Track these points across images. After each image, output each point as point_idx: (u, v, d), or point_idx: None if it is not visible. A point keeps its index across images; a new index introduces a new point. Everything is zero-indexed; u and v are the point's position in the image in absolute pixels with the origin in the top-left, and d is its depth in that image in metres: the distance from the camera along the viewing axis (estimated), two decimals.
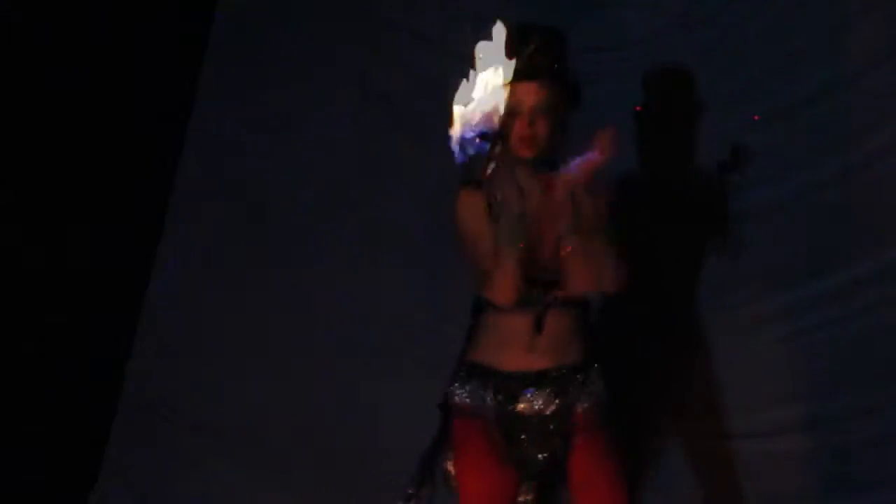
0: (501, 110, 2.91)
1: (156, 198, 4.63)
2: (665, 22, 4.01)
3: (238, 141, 4.62)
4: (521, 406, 3.16)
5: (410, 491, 3.29)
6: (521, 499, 3.22)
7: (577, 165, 3.02)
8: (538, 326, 3.13)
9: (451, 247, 4.11)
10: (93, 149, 4.48)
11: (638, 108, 3.72)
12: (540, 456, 3.16)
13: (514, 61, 3.00)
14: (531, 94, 3.12)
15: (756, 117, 3.83)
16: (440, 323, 4.16)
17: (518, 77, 3.04)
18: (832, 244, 3.75)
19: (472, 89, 2.93)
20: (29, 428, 4.40)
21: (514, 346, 3.16)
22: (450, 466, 3.22)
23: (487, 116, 2.92)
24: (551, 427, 3.16)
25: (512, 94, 3.06)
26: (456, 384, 3.23)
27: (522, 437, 3.16)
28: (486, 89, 2.92)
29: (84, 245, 4.48)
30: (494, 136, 2.92)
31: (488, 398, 3.17)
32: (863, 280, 3.69)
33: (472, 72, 2.94)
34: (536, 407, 3.15)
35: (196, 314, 4.58)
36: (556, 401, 3.15)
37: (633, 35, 4.06)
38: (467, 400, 3.20)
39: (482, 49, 2.95)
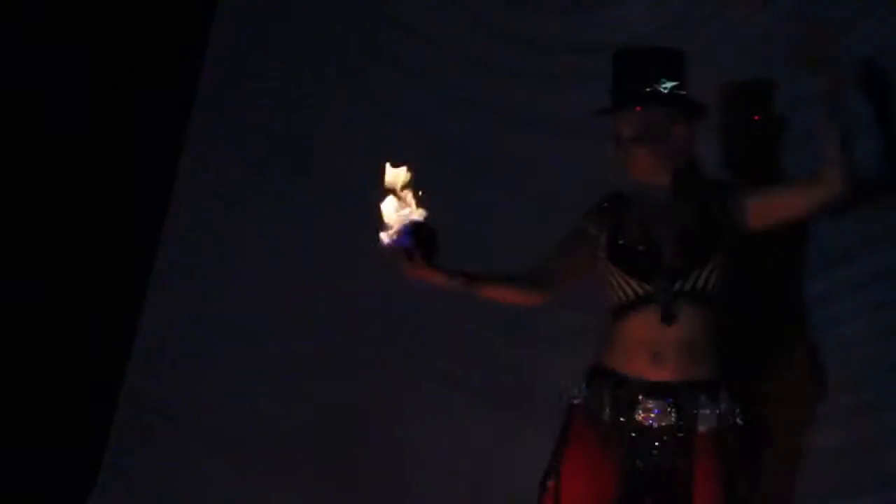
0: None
1: (156, 198, 4.63)
2: (665, 22, 4.00)
3: (238, 141, 4.61)
4: (638, 415, 3.12)
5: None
6: None
7: None
8: (666, 317, 3.09)
9: (453, 248, 4.12)
10: (93, 149, 4.48)
11: (638, 109, 3.70)
12: (644, 467, 3.10)
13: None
14: (623, 123, 3.17)
15: (756, 117, 3.83)
16: (442, 323, 4.16)
17: (613, 106, 3.15)
18: (831, 244, 3.74)
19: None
20: (29, 428, 4.40)
21: (639, 351, 3.13)
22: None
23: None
24: (664, 443, 3.10)
25: (613, 123, 3.18)
26: (577, 385, 3.20)
27: (633, 447, 3.11)
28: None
29: (84, 245, 4.47)
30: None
31: (606, 402, 3.14)
32: (862, 280, 3.68)
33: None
34: (652, 419, 3.11)
35: (196, 314, 4.58)
36: (674, 416, 3.10)
37: (633, 35, 4.05)
38: (585, 401, 3.18)
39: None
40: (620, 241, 3.15)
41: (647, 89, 3.17)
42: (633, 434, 3.11)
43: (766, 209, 3.20)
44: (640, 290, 3.11)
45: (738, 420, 3.14)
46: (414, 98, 4.35)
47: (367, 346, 4.33)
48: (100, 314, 4.52)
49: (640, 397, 3.11)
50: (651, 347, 3.11)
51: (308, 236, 4.47)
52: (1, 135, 4.36)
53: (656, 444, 3.10)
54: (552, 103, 4.07)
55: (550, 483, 3.14)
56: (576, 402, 3.19)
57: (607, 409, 3.13)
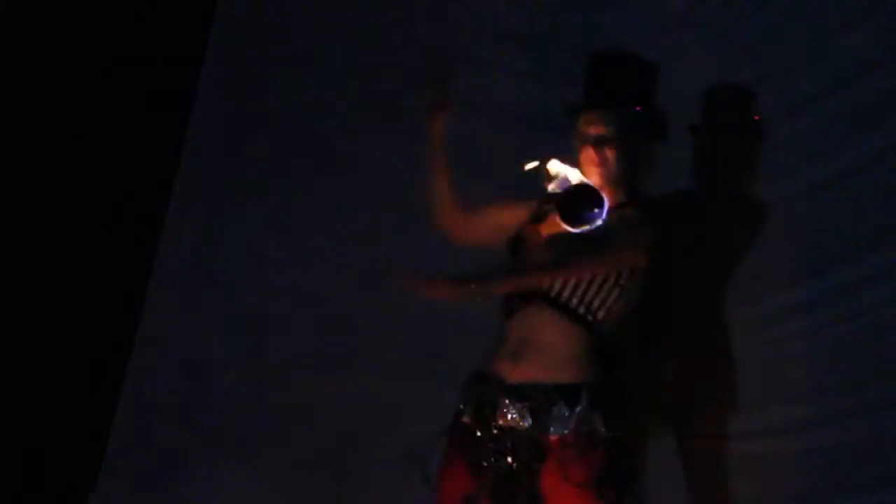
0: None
1: (156, 198, 4.63)
2: (665, 22, 4.00)
3: (238, 141, 4.61)
4: (494, 415, 3.10)
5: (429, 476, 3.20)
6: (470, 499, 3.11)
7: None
8: (506, 311, 3.11)
9: (454, 250, 4.13)
10: (93, 149, 4.48)
11: (638, 108, 3.71)
12: (499, 473, 3.08)
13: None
14: (592, 124, 3.16)
15: (756, 117, 3.83)
16: (443, 325, 4.16)
17: (585, 106, 3.16)
18: (832, 244, 3.74)
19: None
20: (29, 428, 4.40)
21: (501, 350, 3.14)
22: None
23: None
24: (520, 444, 3.07)
25: (581, 124, 3.17)
26: (463, 385, 3.21)
27: (489, 446, 3.09)
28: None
29: (84, 244, 4.47)
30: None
31: (471, 403, 3.15)
32: (863, 280, 3.69)
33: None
34: (508, 420, 3.08)
35: (196, 314, 4.58)
36: (530, 419, 3.06)
37: (633, 35, 4.05)
38: (460, 403, 3.19)
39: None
40: (519, 231, 3.18)
41: (616, 93, 3.16)
42: (490, 440, 3.08)
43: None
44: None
45: (599, 427, 3.05)
46: (414, 98, 4.35)
47: (367, 347, 4.33)
48: (100, 314, 4.52)
49: (501, 398, 3.08)
50: (508, 345, 3.11)
51: (308, 236, 4.47)
52: (1, 135, 4.36)
53: (509, 445, 3.06)
54: (552, 103, 4.07)
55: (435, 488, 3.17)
56: (455, 411, 3.19)
57: (470, 411, 3.12)
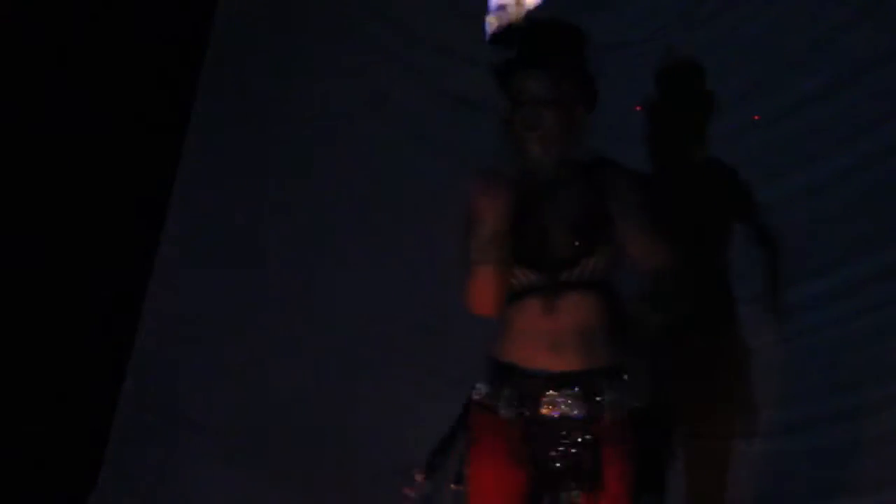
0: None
1: (156, 197, 4.63)
2: (665, 22, 4.01)
3: (238, 140, 4.62)
4: (542, 409, 3.00)
5: (418, 479, 3.13)
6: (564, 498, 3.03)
7: None
8: (548, 307, 2.95)
9: (453, 248, 4.12)
10: (93, 149, 4.48)
11: (638, 108, 3.71)
12: (558, 463, 3.00)
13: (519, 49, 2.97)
14: (535, 81, 3.00)
15: (756, 117, 3.83)
16: (443, 324, 4.17)
17: (524, 64, 2.99)
18: (832, 244, 3.75)
19: None
20: (29, 428, 4.40)
21: (537, 342, 2.99)
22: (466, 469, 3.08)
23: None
24: (571, 434, 2.99)
25: (518, 83, 3.00)
26: (479, 381, 3.08)
27: (542, 440, 2.99)
28: None
29: (84, 244, 4.47)
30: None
31: (508, 398, 3.01)
32: (863, 280, 3.69)
33: None
34: (559, 411, 3.00)
35: (196, 314, 4.58)
36: (582, 406, 2.99)
37: (633, 35, 4.06)
38: (487, 398, 3.04)
39: None
40: (511, 228, 2.94)
41: (560, 56, 3.03)
42: (539, 428, 2.98)
43: (625, 238, 3.03)
44: (524, 280, 2.97)
45: (636, 403, 3.01)
46: (414, 98, 4.35)
47: (367, 347, 4.33)
48: (100, 314, 4.52)
49: (545, 390, 2.98)
50: (549, 337, 2.98)
51: (308, 236, 4.47)
52: (1, 135, 4.36)
53: (563, 435, 2.98)
54: None
55: (459, 486, 3.05)
56: (476, 398, 3.06)
57: (508, 405, 3.00)
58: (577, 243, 2.96)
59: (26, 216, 4.43)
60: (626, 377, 3.01)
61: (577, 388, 2.97)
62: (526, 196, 2.96)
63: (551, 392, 2.98)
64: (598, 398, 2.98)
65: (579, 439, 2.98)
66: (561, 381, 2.98)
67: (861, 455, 3.66)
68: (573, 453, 2.99)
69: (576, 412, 2.98)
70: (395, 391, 4.28)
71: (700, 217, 3.71)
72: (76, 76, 4.44)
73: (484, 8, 4.29)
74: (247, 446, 4.44)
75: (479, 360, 4.16)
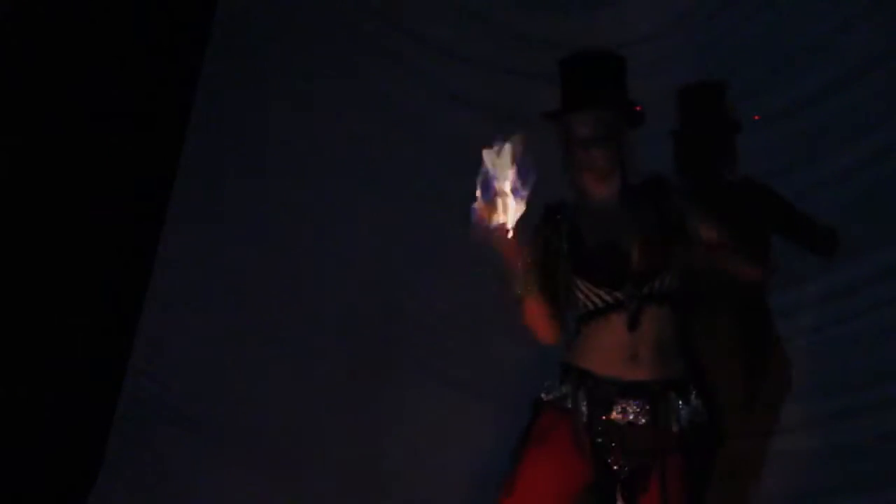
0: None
1: (156, 197, 4.63)
2: (665, 22, 4.01)
3: (238, 141, 4.62)
4: (613, 415, 3.12)
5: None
6: None
7: None
8: (633, 324, 3.10)
9: (452, 248, 4.12)
10: (93, 149, 4.48)
11: (638, 108, 3.71)
12: (623, 467, 3.11)
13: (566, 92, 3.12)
14: (582, 124, 3.14)
15: (756, 117, 3.83)
16: (444, 325, 4.17)
17: (569, 108, 3.13)
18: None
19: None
20: (29, 428, 4.40)
21: (613, 351, 3.13)
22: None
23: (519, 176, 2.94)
24: (640, 441, 3.10)
25: (567, 127, 3.14)
26: (551, 383, 3.20)
27: (610, 445, 3.11)
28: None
29: (84, 244, 4.47)
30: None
31: (581, 401, 3.14)
32: (863, 280, 3.69)
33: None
34: (628, 418, 3.11)
35: (196, 314, 4.58)
36: (649, 415, 3.11)
37: (633, 35, 4.05)
38: (560, 399, 3.17)
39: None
40: (584, 253, 3.14)
41: (603, 92, 3.15)
42: (609, 433, 3.11)
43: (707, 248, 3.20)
44: (609, 299, 3.12)
45: (705, 417, 3.15)
46: (414, 98, 4.35)
47: (367, 347, 4.33)
48: (100, 314, 4.52)
49: (617, 397, 3.11)
50: (626, 350, 3.11)
51: (308, 236, 4.47)
52: (1, 135, 4.36)
53: (632, 442, 3.10)
54: (552, 103, 4.06)
55: (511, 481, 3.15)
56: (546, 398, 3.19)
57: (583, 408, 3.13)
58: (650, 259, 3.09)
59: (26, 216, 4.43)
60: (694, 391, 3.14)
61: (647, 398, 3.10)
62: (595, 222, 3.14)
63: (624, 399, 3.11)
64: (668, 410, 3.10)
65: (645, 447, 3.09)
66: (633, 390, 3.11)
67: (861, 455, 3.66)
68: (636, 460, 3.10)
69: (643, 420, 3.10)
70: (395, 391, 4.28)
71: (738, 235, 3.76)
72: (76, 76, 4.44)
73: (483, 8, 4.32)
74: (247, 446, 4.43)
75: (479, 360, 4.19)
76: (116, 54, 4.48)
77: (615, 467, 3.11)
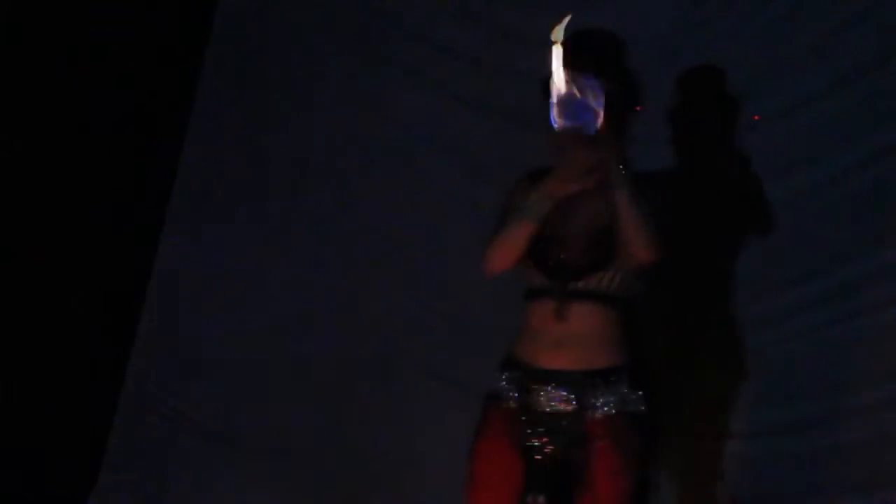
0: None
1: (156, 197, 4.63)
2: (665, 22, 4.01)
3: (238, 141, 4.61)
4: (539, 402, 3.13)
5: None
6: (529, 500, 3.15)
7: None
8: (559, 315, 3.10)
9: (452, 248, 4.12)
10: (93, 149, 4.48)
11: (637, 108, 3.71)
12: (543, 454, 3.13)
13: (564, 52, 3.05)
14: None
15: (756, 117, 3.83)
16: (444, 325, 4.16)
17: (571, 65, 3.06)
18: (832, 244, 3.74)
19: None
20: (29, 428, 4.40)
21: (541, 340, 3.14)
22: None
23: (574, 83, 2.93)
24: (565, 429, 3.12)
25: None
26: (496, 372, 3.21)
27: (538, 432, 3.13)
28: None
29: (84, 244, 4.47)
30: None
31: (514, 389, 3.16)
32: (863, 280, 3.69)
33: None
34: (553, 406, 3.12)
35: (195, 315, 4.58)
36: (574, 403, 3.11)
37: (633, 35, 4.05)
38: (497, 387, 3.19)
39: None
40: (539, 229, 3.10)
41: (609, 62, 3.15)
42: (535, 421, 3.12)
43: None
44: (541, 283, 3.12)
45: (640, 407, 3.12)
46: (414, 98, 4.35)
47: (366, 347, 4.33)
48: (100, 314, 4.52)
49: (542, 384, 3.12)
50: (551, 337, 3.12)
51: (308, 236, 4.47)
52: (1, 135, 4.36)
53: (556, 430, 3.11)
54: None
55: (469, 481, 3.17)
56: (490, 392, 3.20)
57: (515, 397, 3.15)
58: (593, 256, 3.08)
59: (26, 216, 4.43)
60: (624, 381, 3.12)
61: (571, 387, 3.10)
62: (561, 201, 3.08)
63: (548, 387, 3.11)
64: (591, 399, 3.10)
65: (568, 435, 3.10)
66: (558, 379, 3.11)
67: (860, 455, 3.66)
68: (560, 449, 3.11)
69: (567, 408, 3.11)
70: (395, 391, 4.27)
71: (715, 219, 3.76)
72: (75, 76, 4.44)
73: (484, 7, 4.32)
74: (247, 446, 4.43)
75: (479, 360, 4.19)
76: (116, 54, 4.48)
77: (538, 456, 3.12)
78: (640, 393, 3.13)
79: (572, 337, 3.11)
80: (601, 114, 2.99)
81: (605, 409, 3.10)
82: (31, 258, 4.42)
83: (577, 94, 2.95)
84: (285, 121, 4.55)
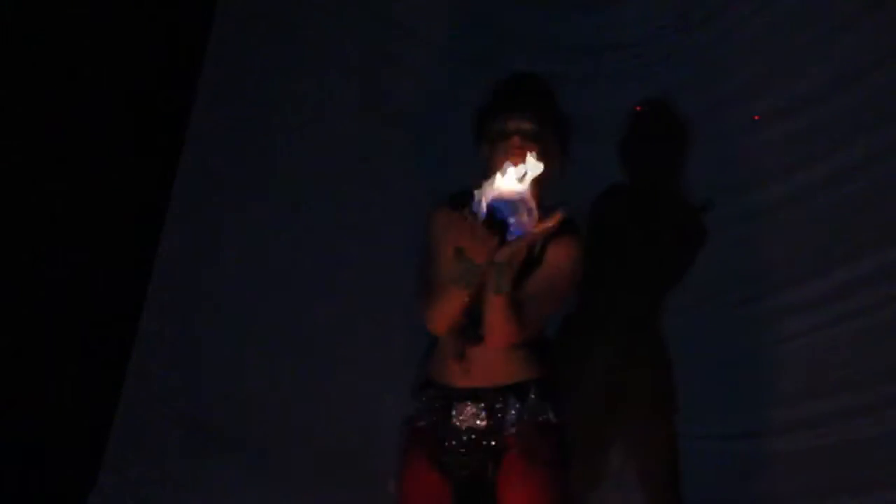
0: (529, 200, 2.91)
1: (156, 197, 4.63)
2: (665, 22, 4.01)
3: (238, 141, 4.62)
4: (453, 419, 3.20)
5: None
6: None
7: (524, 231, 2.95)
8: (461, 355, 3.18)
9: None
10: (93, 149, 4.48)
11: (638, 108, 3.72)
12: (462, 471, 3.20)
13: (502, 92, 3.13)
14: (518, 122, 3.13)
15: (756, 117, 3.83)
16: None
17: (506, 107, 3.12)
18: (832, 244, 3.75)
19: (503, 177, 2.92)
20: (29, 428, 4.40)
21: (449, 360, 3.21)
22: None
23: (519, 195, 2.91)
24: (477, 444, 3.19)
25: (499, 124, 3.13)
26: (414, 393, 3.31)
27: (452, 449, 3.20)
28: (515, 177, 2.92)
29: (84, 244, 4.47)
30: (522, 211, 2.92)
31: (430, 408, 3.24)
32: (863, 280, 3.69)
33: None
34: (465, 422, 3.19)
35: (196, 314, 4.58)
36: (486, 419, 3.18)
37: (633, 35, 4.06)
38: (416, 409, 3.28)
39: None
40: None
41: (544, 103, 3.19)
42: (451, 440, 3.19)
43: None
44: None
45: (550, 417, 3.18)
46: (414, 98, 4.35)
47: (367, 348, 4.33)
48: (100, 314, 4.52)
49: (454, 403, 3.19)
50: (461, 355, 3.18)
51: (308, 236, 4.47)
52: (1, 135, 4.36)
53: (470, 447, 3.18)
54: None
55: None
56: (407, 418, 3.28)
57: (431, 419, 3.22)
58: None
59: (26, 216, 4.43)
60: (533, 394, 3.19)
61: (482, 403, 3.18)
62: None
63: (460, 406, 3.20)
64: (500, 414, 3.17)
65: (481, 450, 3.17)
66: (469, 396, 3.20)
67: (860, 455, 3.66)
68: (478, 461, 3.18)
69: (479, 423, 3.18)
70: (394, 392, 4.27)
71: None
72: (75, 77, 4.44)
73: (483, 8, 4.32)
74: (246, 446, 4.43)
75: None
76: (116, 54, 4.48)
77: (456, 472, 3.19)
78: (549, 404, 3.19)
79: (480, 357, 3.17)
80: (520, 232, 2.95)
81: (517, 420, 3.17)
82: (32, 258, 4.42)
83: (523, 202, 2.92)
84: (285, 121, 4.55)
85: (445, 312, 3.11)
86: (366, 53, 4.47)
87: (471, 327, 3.14)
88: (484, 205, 2.92)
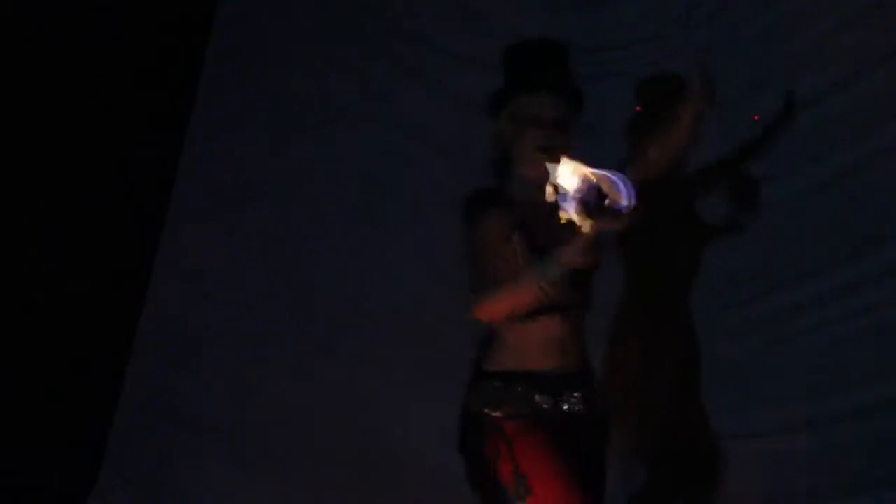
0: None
1: (156, 197, 4.63)
2: (665, 22, 4.01)
3: (238, 141, 4.62)
4: (565, 406, 3.17)
5: None
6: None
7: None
8: (572, 318, 3.17)
9: (452, 248, 4.12)
10: (93, 149, 4.48)
11: (638, 108, 3.71)
12: (587, 454, 3.18)
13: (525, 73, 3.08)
14: (550, 105, 3.11)
15: (756, 117, 3.83)
16: (444, 324, 4.16)
17: (536, 89, 3.07)
18: (832, 244, 3.75)
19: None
20: (29, 428, 4.40)
21: (551, 348, 3.16)
22: (509, 474, 3.13)
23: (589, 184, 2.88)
24: (587, 428, 3.19)
25: (530, 107, 3.09)
26: (492, 393, 3.19)
27: (577, 435, 3.16)
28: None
29: (84, 244, 4.48)
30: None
31: (540, 400, 3.16)
32: (863, 280, 3.69)
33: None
34: (576, 407, 3.18)
35: (196, 314, 4.58)
36: (586, 402, 3.19)
37: (633, 35, 4.06)
38: (516, 405, 3.16)
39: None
40: (538, 250, 3.08)
41: (566, 78, 3.15)
42: (568, 424, 3.15)
43: None
44: (552, 296, 3.06)
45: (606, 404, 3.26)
46: (414, 98, 4.35)
47: (367, 347, 4.33)
48: (100, 313, 4.52)
49: (562, 389, 3.17)
50: (560, 344, 3.16)
51: (308, 235, 4.47)
52: (1, 135, 4.37)
53: (583, 429, 3.18)
54: None
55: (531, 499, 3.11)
56: (501, 410, 3.17)
57: (543, 406, 3.15)
58: (590, 262, 3.05)
59: (26, 216, 4.43)
60: (595, 380, 3.27)
61: (583, 388, 3.20)
62: (538, 215, 3.05)
63: (568, 391, 3.18)
64: (593, 397, 3.21)
65: (592, 435, 3.20)
66: (572, 381, 3.19)
67: (860, 455, 3.66)
68: (589, 449, 3.20)
69: (583, 408, 3.19)
70: (395, 391, 4.28)
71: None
72: (75, 76, 4.44)
73: (483, 8, 4.32)
74: (247, 446, 4.44)
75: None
76: (116, 54, 4.49)
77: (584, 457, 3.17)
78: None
79: (571, 340, 3.19)
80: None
81: (600, 406, 3.24)
82: (32, 258, 4.42)
83: (610, 176, 2.91)
84: (285, 120, 4.56)
85: (512, 302, 3.07)
86: (366, 54, 4.47)
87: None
88: (572, 200, 2.88)
